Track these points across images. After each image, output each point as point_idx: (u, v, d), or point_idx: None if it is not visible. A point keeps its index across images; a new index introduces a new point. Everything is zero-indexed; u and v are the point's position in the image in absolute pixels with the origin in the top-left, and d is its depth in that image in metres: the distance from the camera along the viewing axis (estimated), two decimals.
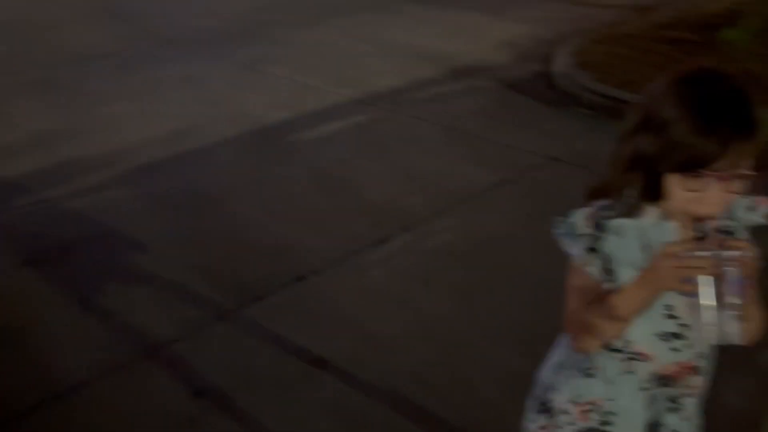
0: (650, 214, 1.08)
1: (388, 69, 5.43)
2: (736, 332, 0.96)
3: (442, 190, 3.59)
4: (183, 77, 5.41)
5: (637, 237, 1.08)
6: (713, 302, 0.95)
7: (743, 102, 0.96)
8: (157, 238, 3.21)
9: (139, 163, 4.00)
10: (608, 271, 1.10)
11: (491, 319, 2.56)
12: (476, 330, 2.50)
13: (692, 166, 0.95)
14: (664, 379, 1.16)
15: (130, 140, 4.32)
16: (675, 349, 1.12)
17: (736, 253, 0.95)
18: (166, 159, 4.05)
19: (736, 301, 0.95)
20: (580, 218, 1.12)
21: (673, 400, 1.18)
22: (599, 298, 1.10)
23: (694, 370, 1.16)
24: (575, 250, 1.12)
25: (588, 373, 1.19)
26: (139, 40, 6.46)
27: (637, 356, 1.13)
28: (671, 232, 1.06)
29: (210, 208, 3.51)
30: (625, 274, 1.08)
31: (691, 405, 1.21)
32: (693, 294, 0.97)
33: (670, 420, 1.20)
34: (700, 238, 0.97)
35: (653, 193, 1.04)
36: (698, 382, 1.19)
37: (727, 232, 1.06)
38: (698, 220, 0.99)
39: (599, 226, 1.09)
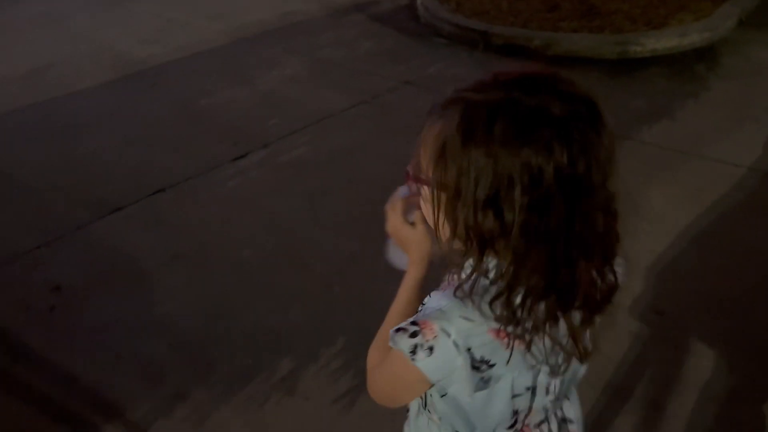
0: None
1: (258, 4, 5.56)
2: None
3: (302, 113, 3.88)
4: (41, 15, 5.30)
5: None
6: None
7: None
8: (17, 164, 3.33)
9: None
10: None
11: (331, 215, 2.92)
12: (315, 224, 2.85)
13: None
14: None
15: None
16: None
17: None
18: (25, 95, 4.09)
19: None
20: None
21: None
22: None
23: None
24: None
25: None
26: None
27: None
28: None
29: (70, 137, 3.63)
30: None
31: None
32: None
33: None
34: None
35: None
36: None
37: None
38: None
39: None
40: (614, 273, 0.80)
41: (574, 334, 0.79)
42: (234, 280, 2.52)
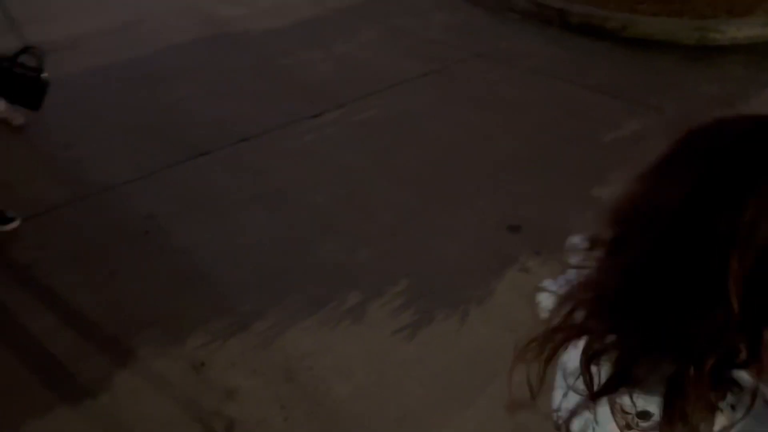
0: None
1: None
2: None
3: (376, 78, 4.04)
4: None
5: None
6: None
7: None
8: (113, 106, 3.67)
9: (96, 47, 4.36)
10: None
11: (395, 170, 3.07)
12: (383, 178, 3.02)
13: None
14: None
15: (86, 29, 4.67)
16: None
17: None
18: (119, 45, 4.43)
19: None
20: None
21: None
22: None
23: None
24: None
25: None
26: None
27: None
28: None
29: (160, 86, 3.93)
30: None
31: None
32: None
33: None
34: None
35: None
36: None
37: None
38: None
39: None
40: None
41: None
42: (307, 222, 2.72)
